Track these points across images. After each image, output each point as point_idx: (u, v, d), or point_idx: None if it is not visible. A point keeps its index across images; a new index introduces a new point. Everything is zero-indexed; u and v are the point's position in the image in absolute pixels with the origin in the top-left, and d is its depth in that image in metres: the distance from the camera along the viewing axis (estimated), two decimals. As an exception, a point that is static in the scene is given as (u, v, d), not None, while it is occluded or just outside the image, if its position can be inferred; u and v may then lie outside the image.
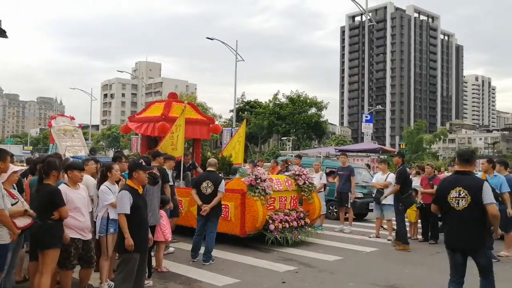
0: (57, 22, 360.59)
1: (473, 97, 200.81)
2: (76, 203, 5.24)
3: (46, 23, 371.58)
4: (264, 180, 8.85)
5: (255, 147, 57.08)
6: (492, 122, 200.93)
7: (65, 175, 5.43)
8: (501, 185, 8.19)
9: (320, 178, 11.58)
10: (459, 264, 4.91)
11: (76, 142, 17.71)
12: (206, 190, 7.60)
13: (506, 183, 8.27)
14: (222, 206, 8.86)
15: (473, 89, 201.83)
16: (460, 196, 4.83)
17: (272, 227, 8.73)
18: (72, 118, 19.04)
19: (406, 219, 10.36)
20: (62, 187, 5.21)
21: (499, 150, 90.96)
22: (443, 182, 5.29)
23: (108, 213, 5.73)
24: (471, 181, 4.91)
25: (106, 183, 5.84)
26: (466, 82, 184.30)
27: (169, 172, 8.63)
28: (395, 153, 9.96)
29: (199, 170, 10.70)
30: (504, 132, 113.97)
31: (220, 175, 10.27)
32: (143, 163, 5.51)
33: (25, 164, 9.66)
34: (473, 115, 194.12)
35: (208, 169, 7.97)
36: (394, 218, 9.75)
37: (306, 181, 9.94)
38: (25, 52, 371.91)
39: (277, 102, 54.56)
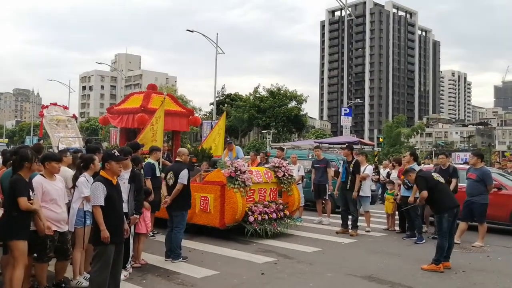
0: (27, 13, 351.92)
1: (449, 92, 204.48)
2: (53, 194, 5.14)
3: (16, 13, 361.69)
4: (244, 172, 8.84)
5: (235, 140, 57.00)
6: (468, 116, 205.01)
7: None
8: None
9: (298, 170, 11.66)
10: None
11: (70, 133, 16.84)
12: (170, 182, 7.26)
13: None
14: (201, 198, 8.85)
15: (449, 84, 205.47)
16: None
17: (251, 219, 8.73)
18: (66, 108, 18.27)
19: (383, 211, 10.45)
20: (38, 178, 5.12)
21: (474, 144, 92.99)
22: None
23: (84, 205, 5.62)
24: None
25: (86, 174, 5.71)
26: (442, 77, 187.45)
27: (156, 164, 8.42)
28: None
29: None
30: (479, 126, 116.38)
31: (197, 167, 10.20)
32: (116, 153, 5.33)
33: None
34: (449, 109, 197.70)
35: (176, 159, 7.65)
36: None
37: (286, 173, 9.97)
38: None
39: (258, 95, 54.56)
